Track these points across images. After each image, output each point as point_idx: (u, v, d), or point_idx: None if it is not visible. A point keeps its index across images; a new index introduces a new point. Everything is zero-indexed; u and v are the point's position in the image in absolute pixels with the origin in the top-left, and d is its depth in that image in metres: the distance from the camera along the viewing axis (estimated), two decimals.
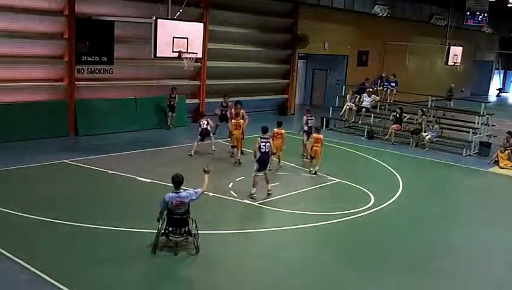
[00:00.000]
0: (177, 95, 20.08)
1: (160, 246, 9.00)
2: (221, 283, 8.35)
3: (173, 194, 8.88)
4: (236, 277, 8.64)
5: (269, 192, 12.47)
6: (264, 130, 12.76)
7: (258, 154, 12.30)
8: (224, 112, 18.39)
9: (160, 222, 8.96)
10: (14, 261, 8.32)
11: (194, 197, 8.98)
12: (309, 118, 16.58)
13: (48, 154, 14.82)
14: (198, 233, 9.12)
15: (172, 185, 8.96)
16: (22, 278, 7.91)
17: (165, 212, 8.96)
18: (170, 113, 20.06)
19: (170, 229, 9.04)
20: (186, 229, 9.05)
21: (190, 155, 15.54)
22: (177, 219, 8.96)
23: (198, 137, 15.87)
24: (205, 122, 16.04)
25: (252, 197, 12.08)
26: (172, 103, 19.93)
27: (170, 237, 9.08)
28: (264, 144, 12.30)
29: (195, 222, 9.14)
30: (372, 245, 10.28)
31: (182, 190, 8.96)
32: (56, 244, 9.17)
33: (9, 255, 8.48)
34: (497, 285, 9.13)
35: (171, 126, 20.11)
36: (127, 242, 9.44)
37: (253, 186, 12.23)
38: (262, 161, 12.31)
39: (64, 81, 17.92)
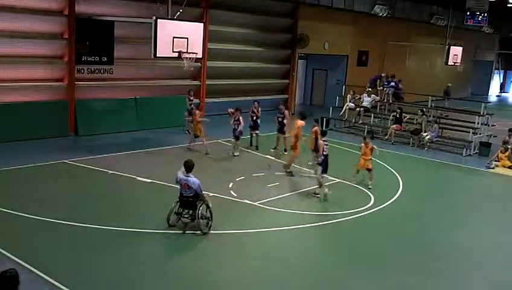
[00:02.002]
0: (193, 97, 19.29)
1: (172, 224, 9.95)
2: (221, 283, 8.35)
3: (183, 176, 9.70)
4: (236, 277, 8.64)
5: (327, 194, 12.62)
6: (324, 133, 12.88)
7: (322, 158, 12.43)
8: (254, 118, 17.28)
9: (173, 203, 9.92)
10: (14, 261, 8.31)
11: (199, 189, 9.69)
12: (279, 112, 17.16)
13: (48, 154, 14.82)
14: (209, 217, 9.89)
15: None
16: (22, 278, 7.85)
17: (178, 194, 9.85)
18: (190, 118, 18.34)
19: (180, 210, 9.89)
20: (193, 213, 9.76)
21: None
22: (184, 200, 9.78)
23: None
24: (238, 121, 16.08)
25: (325, 199, 12.43)
26: (192, 106, 18.83)
27: (186, 217, 9.94)
28: (326, 146, 12.51)
29: (209, 208, 9.88)
30: (372, 245, 10.28)
31: (192, 175, 9.65)
32: (56, 244, 9.17)
33: (9, 255, 8.48)
34: (496, 285, 9.12)
35: (189, 131, 18.61)
36: (127, 242, 9.44)
37: (320, 187, 12.55)
38: (326, 164, 12.54)
39: (64, 81, 17.93)
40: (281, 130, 16.84)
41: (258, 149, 17.11)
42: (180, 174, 9.79)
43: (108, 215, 10.60)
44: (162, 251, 9.31)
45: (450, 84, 30.85)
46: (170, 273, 8.50)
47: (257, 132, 17.26)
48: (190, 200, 9.75)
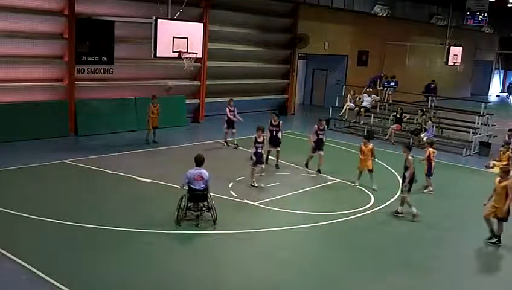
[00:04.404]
0: (235, 107, 17.56)
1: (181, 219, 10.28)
2: (221, 283, 8.35)
3: (194, 170, 10.15)
4: (236, 277, 8.64)
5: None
6: (410, 148, 12.26)
7: (411, 174, 11.72)
8: (274, 133, 15.00)
9: (184, 196, 10.23)
10: (14, 261, 8.32)
11: (209, 181, 10.25)
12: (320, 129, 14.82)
13: (47, 154, 14.82)
14: (214, 206, 10.35)
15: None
16: (22, 278, 7.91)
17: (187, 190, 10.15)
18: (230, 130, 17.29)
19: (191, 204, 10.25)
20: (206, 204, 10.28)
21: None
22: (198, 194, 10.19)
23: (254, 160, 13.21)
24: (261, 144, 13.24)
25: (414, 219, 11.66)
26: (232, 116, 17.30)
27: (191, 211, 10.32)
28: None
29: (211, 197, 10.42)
30: (372, 245, 10.28)
31: (202, 168, 10.20)
32: (56, 244, 9.18)
33: (9, 255, 8.49)
34: (496, 285, 9.13)
35: (231, 144, 17.45)
36: (126, 242, 9.44)
37: (402, 205, 11.85)
38: (412, 180, 11.90)
39: (64, 81, 17.93)
40: (321, 147, 14.75)
41: (278, 168, 15.03)
42: (188, 173, 10.13)
43: (108, 215, 10.60)
44: (162, 251, 9.30)
45: (434, 80, 30.52)
46: (170, 273, 8.49)
47: (278, 148, 14.99)
48: (205, 193, 10.22)
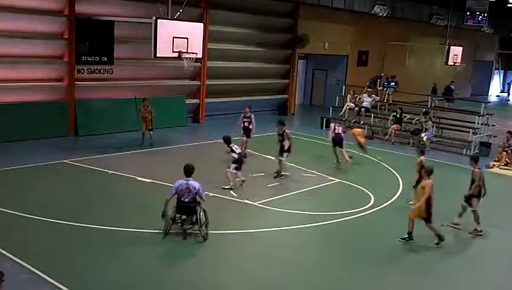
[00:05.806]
0: (252, 114, 16.25)
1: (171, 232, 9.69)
2: (221, 283, 8.35)
3: (183, 181, 9.52)
4: (236, 277, 8.64)
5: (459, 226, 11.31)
6: (477, 161, 11.34)
7: (476, 186, 11.07)
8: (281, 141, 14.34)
9: (170, 210, 9.55)
10: (14, 261, 8.32)
11: (201, 192, 9.51)
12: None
13: (48, 154, 14.83)
14: (206, 222, 9.63)
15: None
16: (22, 278, 7.91)
17: (175, 200, 9.53)
18: (245, 138, 16.10)
19: (179, 216, 9.60)
20: (194, 218, 9.58)
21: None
22: (184, 206, 9.53)
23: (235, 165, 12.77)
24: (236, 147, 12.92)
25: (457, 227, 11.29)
26: (246, 124, 16.15)
27: (179, 224, 9.66)
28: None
29: (205, 212, 9.64)
30: (372, 245, 10.28)
31: (191, 179, 9.53)
32: (56, 244, 9.17)
33: (9, 255, 8.49)
34: (497, 285, 9.13)
35: (245, 151, 15.24)
36: (126, 242, 9.44)
37: (459, 216, 11.30)
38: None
39: (64, 81, 17.93)
40: (341, 144, 15.63)
41: (281, 176, 14.35)
42: (177, 183, 9.55)
43: (108, 216, 10.59)
44: (162, 251, 9.30)
45: (453, 81, 30.58)
46: (170, 272, 8.51)
47: (282, 158, 14.33)
48: (191, 205, 9.53)
